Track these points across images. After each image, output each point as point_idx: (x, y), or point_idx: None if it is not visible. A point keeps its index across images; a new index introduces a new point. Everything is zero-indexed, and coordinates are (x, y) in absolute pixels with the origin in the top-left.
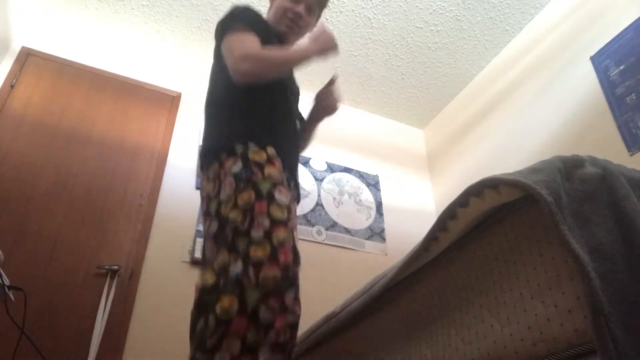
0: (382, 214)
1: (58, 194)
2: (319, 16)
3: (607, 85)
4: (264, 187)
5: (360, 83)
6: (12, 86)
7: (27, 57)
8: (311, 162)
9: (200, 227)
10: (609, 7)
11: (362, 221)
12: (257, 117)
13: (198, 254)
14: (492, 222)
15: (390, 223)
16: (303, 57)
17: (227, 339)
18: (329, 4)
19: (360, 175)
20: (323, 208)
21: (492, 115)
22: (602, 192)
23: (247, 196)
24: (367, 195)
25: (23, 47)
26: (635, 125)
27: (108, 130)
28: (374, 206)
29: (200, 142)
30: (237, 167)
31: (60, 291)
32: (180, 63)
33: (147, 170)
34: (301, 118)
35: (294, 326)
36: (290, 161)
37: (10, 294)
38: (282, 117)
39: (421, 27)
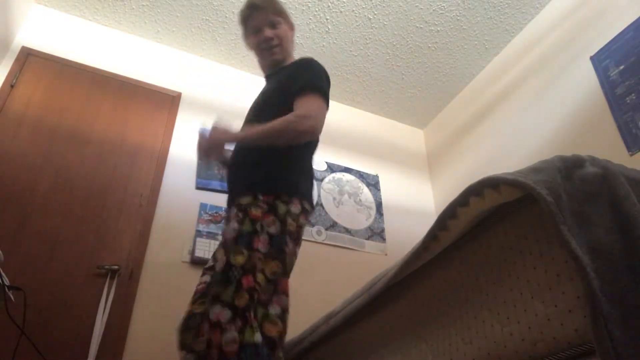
0: (382, 214)
1: (58, 194)
2: (287, 20)
3: (607, 85)
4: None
5: (360, 83)
6: (12, 86)
7: (27, 57)
8: None
9: (200, 227)
10: (609, 7)
11: (362, 221)
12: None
13: (198, 254)
14: (492, 222)
15: (390, 223)
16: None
17: None
18: (330, 4)
19: (360, 175)
20: (323, 208)
21: (492, 115)
22: (602, 192)
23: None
24: (367, 195)
25: (23, 47)
26: (635, 125)
27: (108, 130)
28: (374, 206)
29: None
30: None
31: (60, 291)
32: (180, 63)
33: (147, 170)
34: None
35: None
36: None
37: (10, 294)
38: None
39: (421, 27)
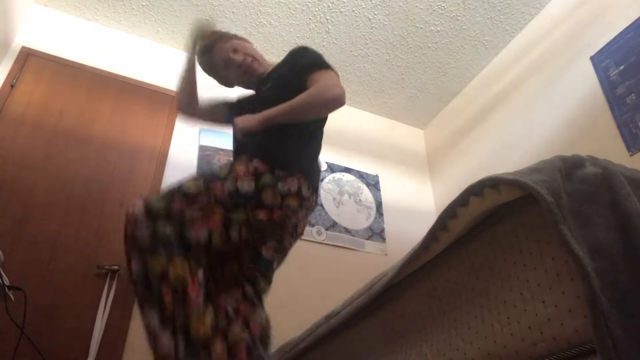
0: (382, 214)
1: (58, 194)
2: (237, 37)
3: (607, 85)
4: None
5: (360, 83)
6: (12, 86)
7: (27, 57)
8: None
9: None
10: (609, 7)
11: (362, 221)
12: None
13: None
14: (492, 222)
15: (390, 223)
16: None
17: None
18: (330, 4)
19: (360, 175)
20: (323, 208)
21: (492, 115)
22: (602, 192)
23: None
24: (367, 195)
25: (23, 47)
26: (635, 125)
27: (108, 130)
28: (374, 206)
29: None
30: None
31: (60, 291)
32: (180, 63)
33: (147, 170)
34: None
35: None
36: None
37: (10, 294)
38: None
39: (421, 27)
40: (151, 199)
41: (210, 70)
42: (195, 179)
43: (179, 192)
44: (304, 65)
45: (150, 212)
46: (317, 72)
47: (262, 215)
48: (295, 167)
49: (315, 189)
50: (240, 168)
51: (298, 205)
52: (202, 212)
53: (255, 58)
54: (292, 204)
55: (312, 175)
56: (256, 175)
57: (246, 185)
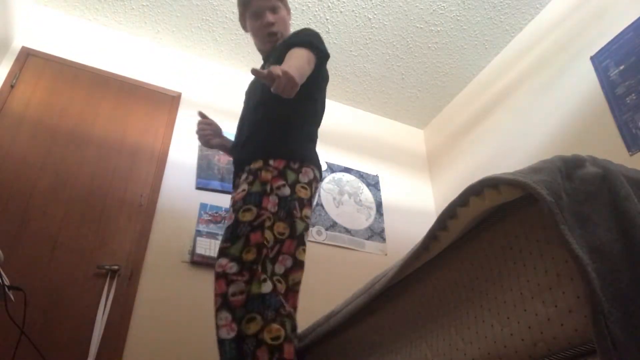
0: (382, 214)
1: (58, 194)
2: (286, 4)
3: (607, 85)
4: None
5: (360, 83)
6: (12, 86)
7: (27, 57)
8: None
9: (200, 227)
10: (609, 7)
11: (362, 221)
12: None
13: (198, 254)
14: (492, 222)
15: (390, 223)
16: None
17: None
18: (330, 4)
19: (360, 175)
20: (323, 208)
21: (492, 115)
22: (602, 192)
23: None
24: (367, 195)
25: (23, 47)
26: (635, 125)
27: (108, 130)
28: (374, 206)
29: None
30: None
31: (60, 291)
32: (180, 63)
33: (147, 170)
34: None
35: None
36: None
37: (10, 294)
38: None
39: (421, 27)
40: (227, 251)
41: (244, 3)
42: (240, 209)
43: (242, 228)
44: (292, 42)
45: (237, 261)
46: (298, 47)
47: (308, 211)
48: (304, 156)
49: (320, 169)
50: (267, 175)
51: (316, 186)
52: (276, 241)
53: (282, 32)
54: (314, 188)
55: (317, 156)
56: (283, 176)
57: (283, 189)
